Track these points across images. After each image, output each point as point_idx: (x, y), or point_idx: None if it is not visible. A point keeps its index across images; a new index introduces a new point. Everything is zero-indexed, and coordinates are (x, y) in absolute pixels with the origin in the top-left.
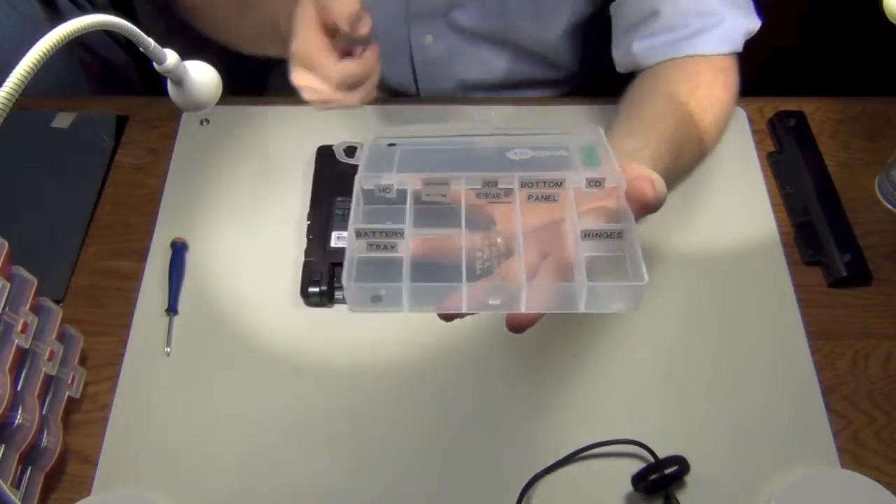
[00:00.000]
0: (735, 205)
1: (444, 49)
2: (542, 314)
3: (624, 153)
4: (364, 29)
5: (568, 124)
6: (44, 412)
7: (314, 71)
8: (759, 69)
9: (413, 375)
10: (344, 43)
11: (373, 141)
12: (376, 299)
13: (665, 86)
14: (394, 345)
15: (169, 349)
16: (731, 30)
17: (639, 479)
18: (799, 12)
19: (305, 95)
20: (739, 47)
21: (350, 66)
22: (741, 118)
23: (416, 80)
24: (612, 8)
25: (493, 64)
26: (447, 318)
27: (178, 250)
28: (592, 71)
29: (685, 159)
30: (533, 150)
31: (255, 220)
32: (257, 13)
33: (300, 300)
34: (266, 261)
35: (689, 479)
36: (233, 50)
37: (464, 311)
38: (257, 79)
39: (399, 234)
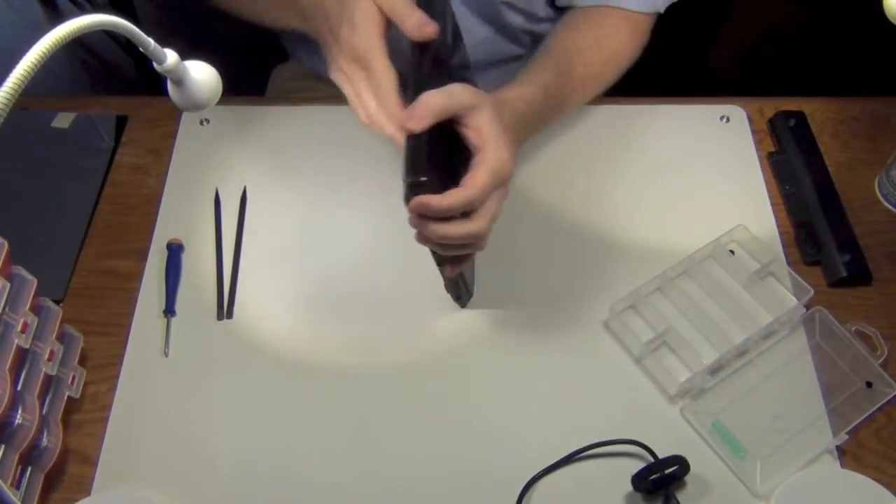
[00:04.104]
0: (735, 205)
1: None
2: None
3: (516, 80)
4: (430, 32)
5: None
6: (44, 412)
7: (367, 68)
8: (759, 69)
9: (413, 376)
10: None
11: None
12: None
13: (575, 23)
14: (393, 345)
15: (168, 350)
16: None
17: (639, 479)
18: (799, 13)
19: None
20: (660, 10)
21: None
22: (741, 118)
23: None
24: None
25: (488, 44)
26: None
27: (174, 252)
28: None
29: (568, 83)
30: None
31: (255, 219)
32: None
33: (300, 300)
34: (266, 261)
35: (689, 479)
36: (238, 36)
37: None
38: (257, 79)
39: None
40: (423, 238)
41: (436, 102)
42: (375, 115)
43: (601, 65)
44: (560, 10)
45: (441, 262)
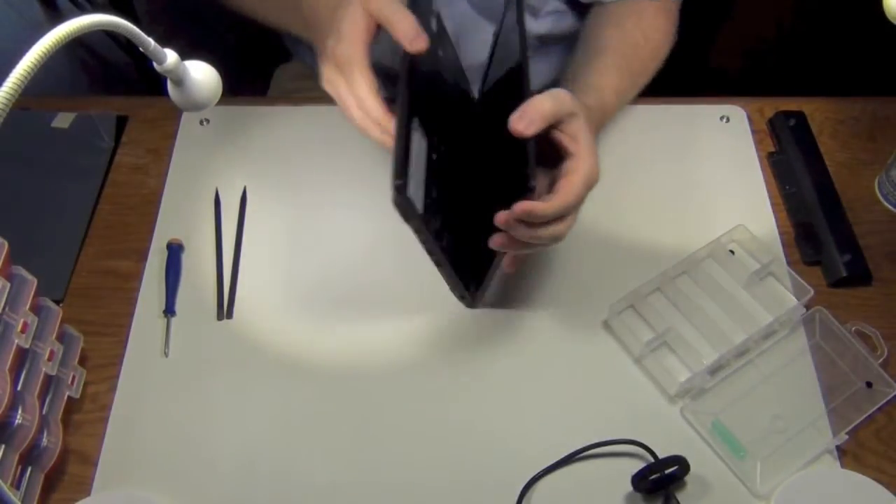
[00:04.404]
0: (735, 205)
1: (451, 30)
2: None
3: (588, 87)
4: (420, 46)
5: None
6: (44, 412)
7: (347, 79)
8: (759, 69)
9: (413, 376)
10: None
11: None
12: None
13: (615, 18)
14: (393, 345)
15: (168, 350)
16: None
17: (639, 479)
18: (799, 13)
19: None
20: None
21: (376, 104)
22: (741, 118)
23: None
24: None
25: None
26: None
27: (174, 252)
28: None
29: (631, 82)
30: None
31: (255, 219)
32: None
33: (300, 300)
34: (266, 261)
35: (689, 479)
36: (239, 36)
37: None
38: (259, 79)
39: None
40: (510, 241)
41: (547, 107)
42: (361, 121)
43: (650, 60)
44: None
45: (439, 263)
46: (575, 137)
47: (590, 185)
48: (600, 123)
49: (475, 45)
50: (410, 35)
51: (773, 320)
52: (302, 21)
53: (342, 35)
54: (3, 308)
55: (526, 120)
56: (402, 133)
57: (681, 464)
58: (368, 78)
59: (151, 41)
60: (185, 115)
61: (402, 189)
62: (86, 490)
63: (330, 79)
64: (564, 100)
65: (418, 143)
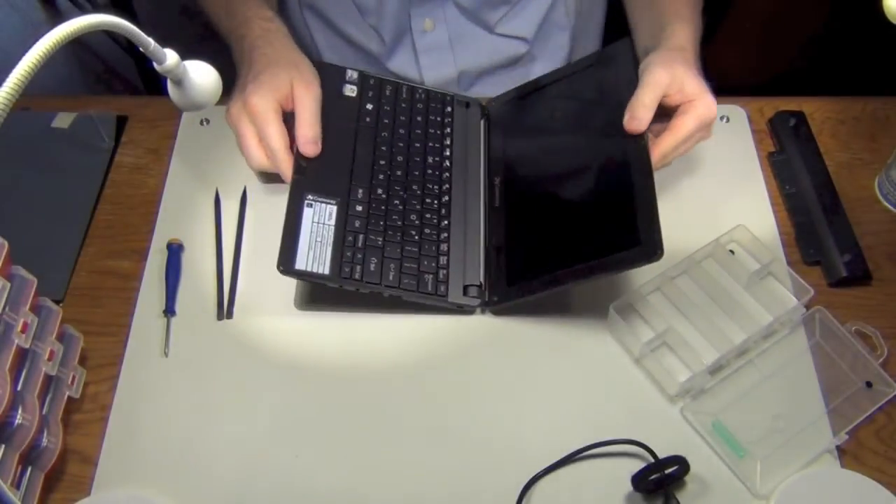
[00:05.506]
0: (735, 205)
1: (443, 35)
2: None
3: (668, 32)
4: (310, 152)
5: None
6: (44, 412)
7: (259, 129)
8: (759, 69)
9: (413, 376)
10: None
11: None
12: None
13: None
14: (393, 345)
15: (168, 350)
16: None
17: (639, 479)
18: (799, 13)
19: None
20: None
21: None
22: (741, 118)
23: (419, 68)
24: None
25: (492, 47)
26: None
27: (174, 252)
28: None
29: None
30: None
31: (255, 219)
32: (229, 19)
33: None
34: (266, 261)
35: (689, 479)
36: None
37: None
38: None
39: None
40: None
41: (648, 99)
42: (257, 162)
43: None
44: None
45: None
46: (681, 92)
47: (703, 122)
48: (697, 55)
49: (470, 49)
50: (308, 139)
51: (773, 320)
52: (237, 39)
53: (265, 90)
54: (3, 308)
55: (636, 119)
56: (290, 213)
57: (681, 464)
58: (281, 132)
59: (151, 41)
60: (185, 115)
61: (289, 269)
62: (86, 490)
63: (236, 115)
64: (659, 81)
65: (317, 214)
